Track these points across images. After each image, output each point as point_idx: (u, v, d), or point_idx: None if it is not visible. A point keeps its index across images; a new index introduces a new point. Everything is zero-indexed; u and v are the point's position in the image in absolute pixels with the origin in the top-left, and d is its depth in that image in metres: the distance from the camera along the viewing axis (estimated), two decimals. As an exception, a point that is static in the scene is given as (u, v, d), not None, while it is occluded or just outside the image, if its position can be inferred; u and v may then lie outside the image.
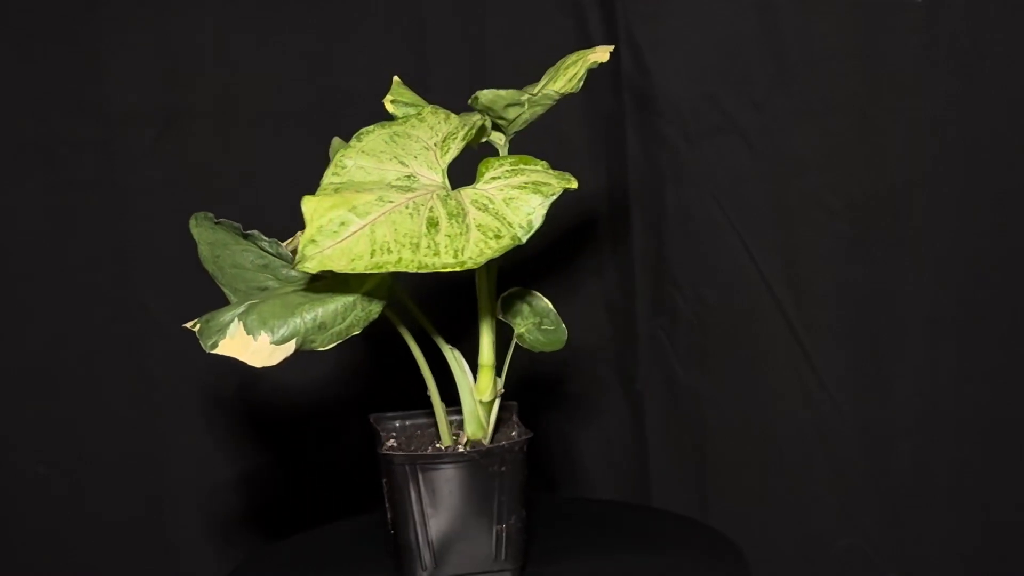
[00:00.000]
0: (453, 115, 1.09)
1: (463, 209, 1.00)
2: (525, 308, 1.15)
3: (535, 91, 1.10)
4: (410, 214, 0.99)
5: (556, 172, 1.04)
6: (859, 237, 1.57)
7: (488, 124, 1.11)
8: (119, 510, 1.68)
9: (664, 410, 1.69)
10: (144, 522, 1.68)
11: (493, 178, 1.03)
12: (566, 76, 1.10)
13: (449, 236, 0.98)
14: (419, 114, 1.09)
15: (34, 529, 1.66)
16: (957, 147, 1.52)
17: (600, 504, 1.51)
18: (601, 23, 1.66)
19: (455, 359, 1.14)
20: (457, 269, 0.96)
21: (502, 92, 1.07)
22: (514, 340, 1.15)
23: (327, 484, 1.73)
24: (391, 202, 1.00)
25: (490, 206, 1.00)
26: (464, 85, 1.60)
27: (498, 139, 1.13)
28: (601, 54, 1.07)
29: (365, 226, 0.98)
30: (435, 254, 0.97)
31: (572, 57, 1.11)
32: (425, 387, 1.14)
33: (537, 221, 0.99)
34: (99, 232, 1.64)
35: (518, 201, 1.01)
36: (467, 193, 1.02)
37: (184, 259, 1.64)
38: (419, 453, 1.14)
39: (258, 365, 1.00)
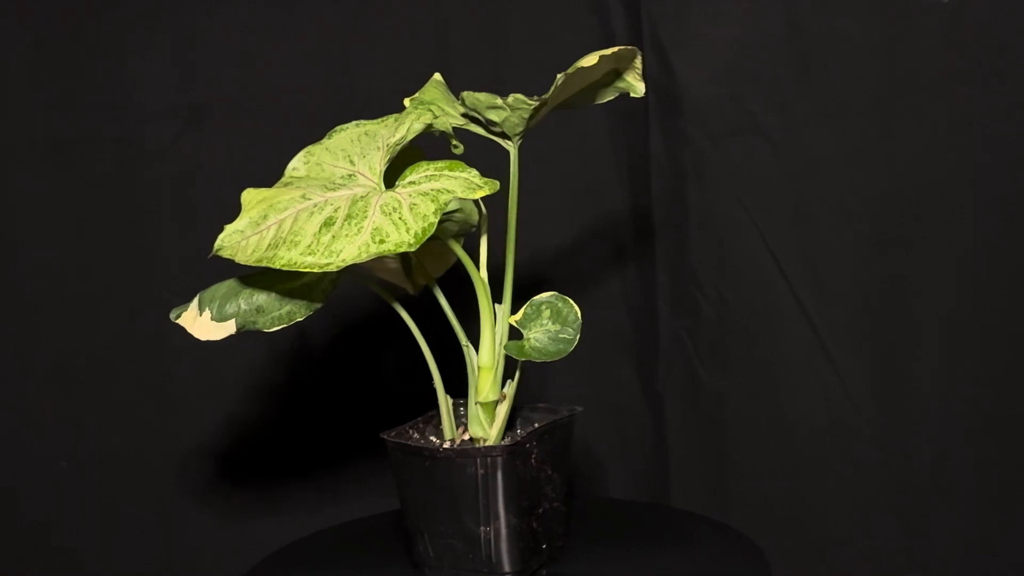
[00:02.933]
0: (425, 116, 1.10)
1: (367, 212, 1.01)
2: (548, 313, 1.12)
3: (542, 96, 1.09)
4: (312, 214, 1.01)
5: (471, 180, 1.03)
6: (881, 237, 1.57)
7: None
8: (137, 506, 1.68)
9: (685, 410, 1.69)
10: (161, 518, 1.69)
11: (411, 182, 1.05)
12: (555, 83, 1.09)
13: (335, 237, 0.99)
14: (399, 115, 1.10)
15: (53, 524, 1.67)
16: (979, 148, 1.52)
17: (620, 504, 1.51)
18: (625, 23, 1.66)
19: (468, 357, 1.15)
20: (316, 270, 0.98)
21: (479, 95, 1.07)
22: (501, 349, 1.13)
23: (349, 481, 1.73)
24: (308, 200, 1.03)
25: (395, 210, 1.01)
26: (487, 85, 1.60)
27: (507, 145, 1.12)
28: (590, 58, 1.05)
29: (275, 222, 1.02)
30: (310, 254, 0.99)
31: (581, 61, 1.10)
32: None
33: (429, 229, 0.99)
34: (118, 229, 1.65)
35: (419, 207, 1.01)
36: (385, 196, 1.03)
37: (203, 256, 1.65)
38: (404, 442, 1.15)
39: (201, 338, 1.10)
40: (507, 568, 1.13)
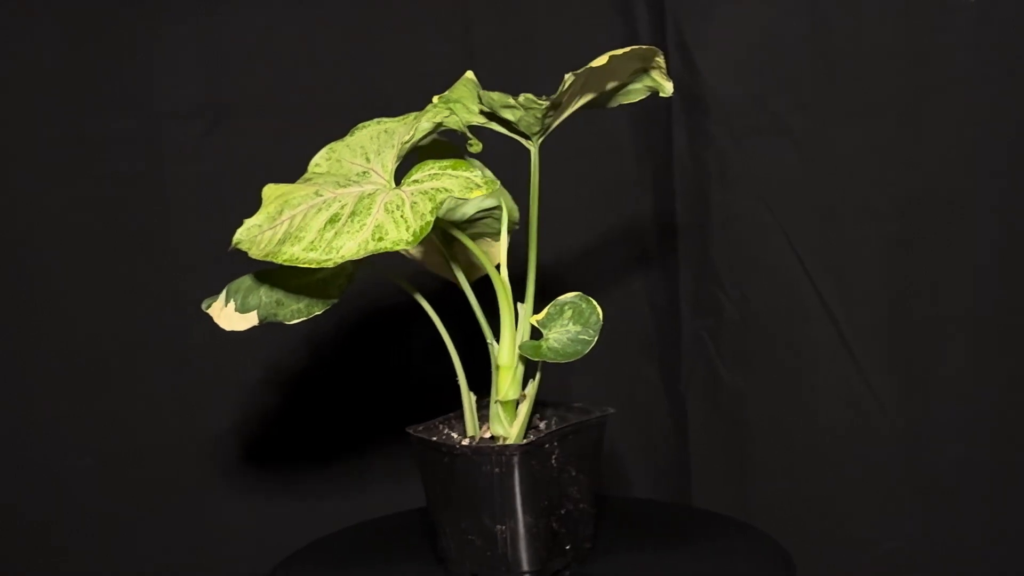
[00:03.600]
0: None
1: (371, 209, 1.02)
2: (570, 314, 1.11)
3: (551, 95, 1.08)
4: (319, 210, 1.02)
5: (471, 179, 1.04)
6: (905, 238, 1.56)
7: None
8: (164, 501, 1.69)
9: (707, 410, 1.69)
10: (189, 513, 1.69)
11: (415, 180, 1.05)
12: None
13: (338, 234, 1.00)
14: (419, 113, 1.10)
15: (81, 519, 1.67)
16: (1004, 148, 1.51)
17: (642, 504, 1.51)
18: (649, 22, 1.65)
19: (492, 355, 1.15)
20: (314, 266, 0.99)
21: (493, 94, 1.07)
22: (517, 350, 1.13)
23: (377, 475, 1.73)
24: (319, 197, 1.04)
25: (398, 208, 1.02)
26: (512, 85, 1.60)
27: (528, 145, 1.12)
28: (600, 59, 1.04)
29: (288, 218, 1.03)
30: (312, 250, 1.00)
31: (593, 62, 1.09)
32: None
33: (427, 228, 1.00)
34: (146, 226, 1.65)
35: (419, 206, 1.02)
36: (391, 194, 1.03)
37: (230, 253, 1.65)
38: (426, 437, 1.16)
39: (226, 328, 1.14)
40: (525, 567, 1.13)
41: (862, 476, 1.60)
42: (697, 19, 1.61)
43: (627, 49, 1.05)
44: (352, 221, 1.01)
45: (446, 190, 1.02)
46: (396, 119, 1.12)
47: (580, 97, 1.09)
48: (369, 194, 1.03)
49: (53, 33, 1.61)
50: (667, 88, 1.11)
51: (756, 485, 1.66)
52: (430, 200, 1.02)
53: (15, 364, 1.65)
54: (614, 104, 1.15)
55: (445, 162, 1.06)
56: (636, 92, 1.13)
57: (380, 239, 0.99)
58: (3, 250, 1.63)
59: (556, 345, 1.09)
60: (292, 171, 1.14)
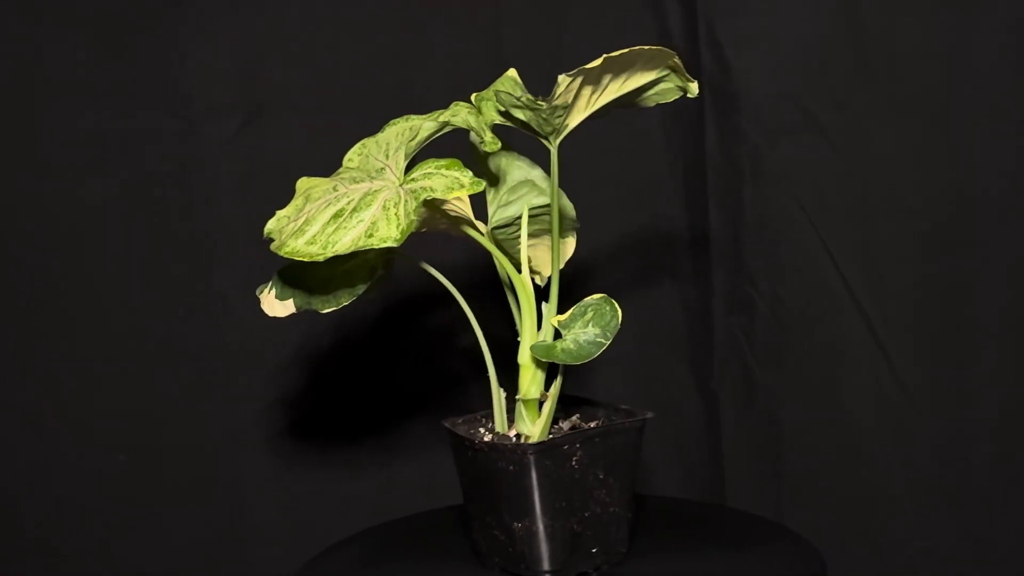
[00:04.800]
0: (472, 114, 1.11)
1: (372, 205, 1.04)
2: (592, 315, 1.11)
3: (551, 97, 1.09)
4: (329, 204, 1.05)
5: (458, 178, 1.06)
6: (939, 236, 1.55)
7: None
8: (195, 499, 1.69)
9: (740, 409, 1.68)
10: (219, 511, 1.70)
11: (412, 179, 1.08)
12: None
13: (338, 228, 1.03)
14: (443, 111, 1.12)
15: (112, 516, 1.68)
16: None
17: (674, 503, 1.50)
18: (681, 20, 1.65)
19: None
20: (307, 259, 1.02)
21: (504, 94, 1.07)
22: (531, 352, 1.13)
23: (406, 474, 1.74)
24: (334, 192, 1.06)
25: (395, 205, 1.04)
26: (542, 84, 1.60)
27: (548, 144, 1.13)
28: (596, 61, 1.04)
29: (307, 211, 1.06)
30: (312, 243, 1.03)
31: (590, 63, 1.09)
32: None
33: (410, 227, 1.02)
34: (179, 224, 1.66)
35: (408, 204, 1.04)
36: (393, 191, 1.05)
37: (263, 251, 1.66)
38: (455, 431, 1.18)
39: (269, 314, 1.17)
40: (544, 566, 1.14)
41: (895, 475, 1.60)
42: (729, 17, 1.60)
43: (624, 51, 1.05)
44: (352, 217, 1.03)
45: (431, 189, 1.04)
46: (423, 116, 1.12)
47: (596, 97, 1.09)
48: (375, 191, 1.05)
49: (87, 31, 1.62)
50: (691, 89, 1.11)
51: (788, 484, 1.65)
52: (415, 199, 1.04)
53: (46, 358, 1.66)
54: (649, 103, 1.15)
55: (442, 161, 1.08)
56: (669, 92, 1.13)
57: (371, 235, 1.02)
58: (38, 245, 1.64)
59: (572, 347, 1.09)
60: (324, 168, 1.15)
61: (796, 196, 1.60)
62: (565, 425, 1.20)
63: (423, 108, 1.16)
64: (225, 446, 1.70)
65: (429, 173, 1.07)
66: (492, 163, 1.19)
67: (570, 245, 1.26)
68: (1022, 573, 1.56)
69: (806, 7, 1.57)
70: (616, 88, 1.10)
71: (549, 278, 1.19)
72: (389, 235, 1.02)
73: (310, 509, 1.72)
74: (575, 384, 1.69)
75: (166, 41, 1.63)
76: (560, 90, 1.05)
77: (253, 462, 1.70)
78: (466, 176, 1.06)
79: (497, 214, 1.19)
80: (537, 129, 1.10)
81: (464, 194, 1.06)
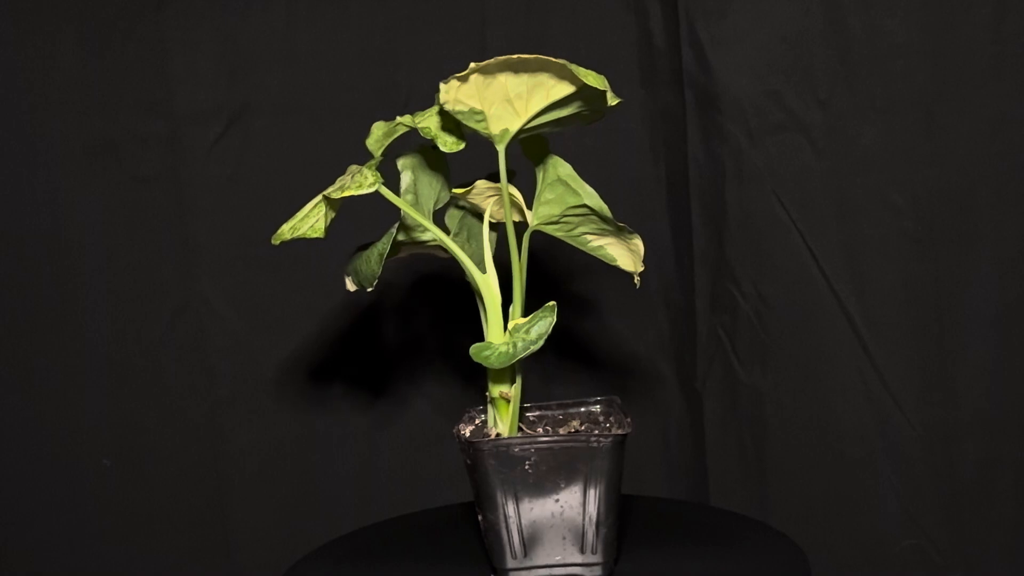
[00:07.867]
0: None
1: (334, 200, 1.13)
2: (535, 321, 1.14)
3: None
4: (319, 195, 1.14)
5: (361, 179, 1.11)
6: (923, 235, 1.56)
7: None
8: (182, 503, 1.69)
9: (723, 408, 1.69)
10: (207, 515, 1.70)
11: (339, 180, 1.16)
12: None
13: (306, 217, 1.14)
14: (423, 111, 1.18)
15: (98, 520, 1.68)
16: (1023, 144, 1.50)
17: (658, 503, 1.51)
18: (662, 20, 1.65)
19: None
20: (276, 243, 1.14)
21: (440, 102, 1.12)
22: None
23: (395, 478, 1.74)
24: (332, 186, 1.14)
25: (317, 205, 1.15)
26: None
27: (497, 147, 1.16)
28: (464, 72, 1.09)
29: (314, 203, 1.15)
30: (291, 231, 1.14)
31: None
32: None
33: (324, 218, 1.13)
34: (163, 228, 1.66)
35: (322, 206, 1.14)
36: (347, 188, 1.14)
37: (246, 255, 1.66)
38: (459, 429, 1.21)
39: (348, 288, 1.27)
40: (497, 562, 1.18)
41: (880, 473, 1.60)
42: (711, 17, 1.60)
43: (493, 60, 1.08)
44: (315, 208, 1.14)
45: (344, 187, 1.12)
46: (407, 117, 1.18)
47: (523, 105, 1.11)
48: (340, 187, 1.12)
49: (70, 34, 1.61)
50: (608, 98, 1.12)
51: (772, 483, 1.66)
52: (337, 194, 1.12)
53: (30, 363, 1.65)
54: (592, 116, 1.17)
55: (373, 161, 1.15)
56: (587, 108, 1.16)
57: (307, 227, 1.13)
58: (21, 248, 1.63)
59: (503, 349, 1.13)
60: (310, 171, 1.16)
61: (778, 195, 1.60)
62: (540, 429, 1.22)
63: (407, 110, 1.17)
64: (210, 449, 1.69)
65: (359, 171, 1.13)
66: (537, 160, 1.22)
67: (638, 245, 1.27)
68: (1009, 570, 1.57)
69: (787, 5, 1.57)
70: (543, 96, 1.11)
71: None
72: (319, 226, 1.13)
73: (297, 511, 1.71)
74: (568, 385, 1.70)
75: (149, 45, 1.63)
76: (441, 96, 1.10)
77: (239, 465, 1.70)
78: (366, 177, 1.11)
79: (540, 211, 1.22)
80: (480, 132, 1.14)
81: (356, 193, 1.10)
